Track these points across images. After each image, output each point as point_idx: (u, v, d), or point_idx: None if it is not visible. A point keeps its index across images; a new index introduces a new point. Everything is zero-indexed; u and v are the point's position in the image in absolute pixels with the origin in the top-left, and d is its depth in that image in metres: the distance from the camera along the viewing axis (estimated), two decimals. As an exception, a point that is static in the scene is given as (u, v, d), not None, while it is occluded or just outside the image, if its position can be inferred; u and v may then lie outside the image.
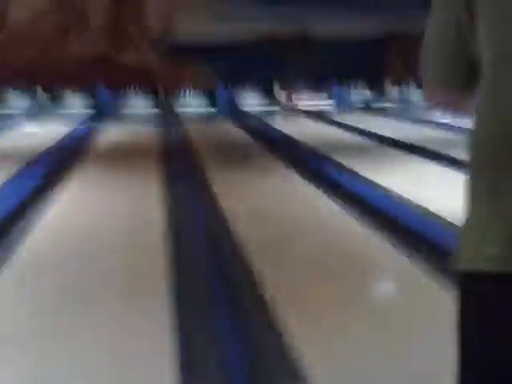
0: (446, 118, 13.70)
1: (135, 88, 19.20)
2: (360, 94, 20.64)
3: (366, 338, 3.02)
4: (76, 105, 18.53)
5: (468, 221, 1.19)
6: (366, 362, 2.78)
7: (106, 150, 10.46)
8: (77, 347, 2.97)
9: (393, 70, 20.45)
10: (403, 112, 17.71)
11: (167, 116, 17.41)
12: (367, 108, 19.45)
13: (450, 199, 5.88)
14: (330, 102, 20.32)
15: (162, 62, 19.56)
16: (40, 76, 17.88)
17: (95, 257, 4.43)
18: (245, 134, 12.48)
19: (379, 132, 11.53)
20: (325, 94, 20.65)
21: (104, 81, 18.36)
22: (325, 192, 6.34)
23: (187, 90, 19.72)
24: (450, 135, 10.55)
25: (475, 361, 1.18)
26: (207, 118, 17.04)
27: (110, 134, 12.89)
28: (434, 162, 8.02)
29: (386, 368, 2.72)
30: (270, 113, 18.27)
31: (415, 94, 20.36)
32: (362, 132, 11.93)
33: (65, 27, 18.69)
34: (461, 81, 1.26)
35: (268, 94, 20.28)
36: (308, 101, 20.22)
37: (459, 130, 10.46)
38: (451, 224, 4.85)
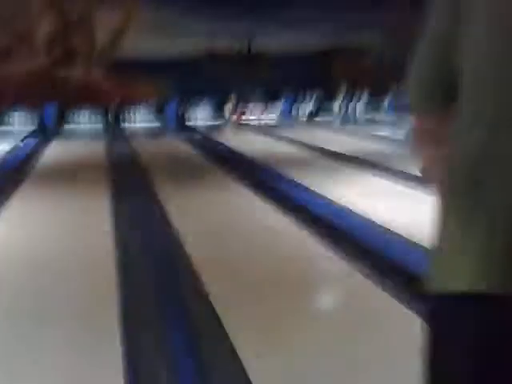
0: (386, 131, 14.06)
1: (81, 104, 19.05)
2: (304, 107, 20.88)
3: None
4: (19, 121, 18.31)
5: (441, 242, 1.17)
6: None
7: (51, 167, 10.35)
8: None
9: (336, 83, 20.71)
10: (345, 125, 18.03)
11: (114, 131, 17.32)
12: (311, 121, 19.72)
13: (388, 207, 6.10)
14: (275, 115, 20.52)
15: (108, 77, 19.46)
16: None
17: (36, 278, 4.36)
18: (192, 149, 12.51)
19: (323, 145, 11.78)
20: (271, 108, 20.84)
21: (49, 98, 18.20)
22: (272, 204, 6.42)
23: (135, 106, 19.65)
24: (389, 148, 10.77)
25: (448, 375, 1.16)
26: (155, 133, 17.00)
27: (56, 150, 12.77)
28: (374, 173, 8.20)
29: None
30: (217, 127, 18.33)
31: (357, 107, 20.72)
32: (304, 145, 12.19)
33: (6, 48, 18.49)
34: (435, 106, 1.24)
35: (215, 108, 20.35)
36: (254, 115, 20.37)
37: (398, 142, 10.75)
38: (388, 230, 5.13)
